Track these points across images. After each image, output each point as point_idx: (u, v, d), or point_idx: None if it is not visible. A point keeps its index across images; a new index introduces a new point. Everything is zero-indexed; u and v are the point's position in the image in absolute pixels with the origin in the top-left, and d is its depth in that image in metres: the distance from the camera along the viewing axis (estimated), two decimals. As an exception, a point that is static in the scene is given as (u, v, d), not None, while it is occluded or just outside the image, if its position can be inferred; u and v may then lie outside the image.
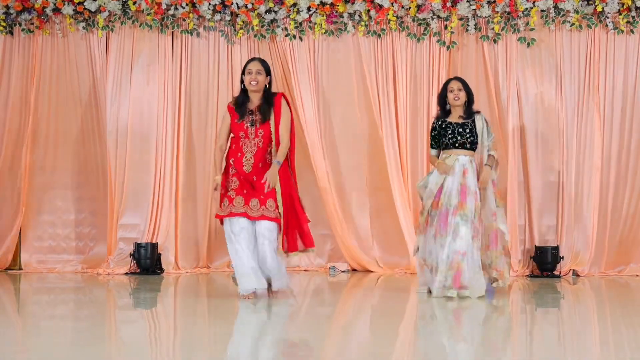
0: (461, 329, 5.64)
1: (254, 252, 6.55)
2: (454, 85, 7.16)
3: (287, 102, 6.71)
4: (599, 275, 8.91)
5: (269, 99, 6.65)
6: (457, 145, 7.03)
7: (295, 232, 6.69)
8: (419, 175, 9.12)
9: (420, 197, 7.20)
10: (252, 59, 6.77)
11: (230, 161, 6.64)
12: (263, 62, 6.71)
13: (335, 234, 9.25)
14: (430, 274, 6.96)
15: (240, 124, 6.60)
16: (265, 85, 6.66)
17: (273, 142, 6.61)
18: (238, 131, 6.62)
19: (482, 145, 7.09)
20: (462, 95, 7.13)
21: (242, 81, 6.69)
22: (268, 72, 6.68)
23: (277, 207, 6.57)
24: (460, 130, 7.06)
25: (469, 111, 7.16)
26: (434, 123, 7.20)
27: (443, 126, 7.10)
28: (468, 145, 7.04)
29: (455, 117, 7.13)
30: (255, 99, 6.67)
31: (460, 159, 7.00)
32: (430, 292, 6.95)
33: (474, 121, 7.10)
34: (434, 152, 7.20)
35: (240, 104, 6.67)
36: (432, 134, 7.17)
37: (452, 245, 6.78)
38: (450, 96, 7.13)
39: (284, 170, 6.65)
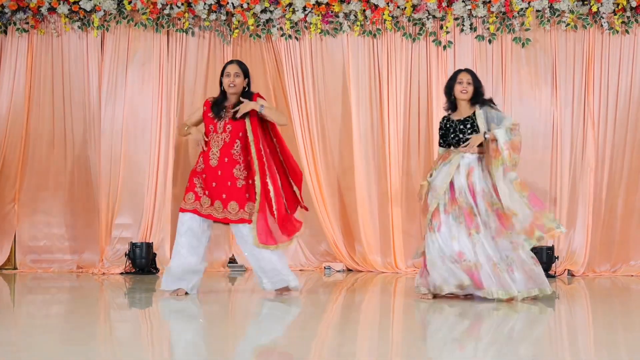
0: (454, 330, 5.58)
1: (196, 253, 6.72)
2: (464, 77, 6.75)
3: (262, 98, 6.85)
4: (594, 275, 8.93)
5: (246, 98, 6.74)
6: (460, 144, 6.69)
7: (265, 221, 6.70)
8: (412, 175, 9.15)
9: (420, 197, 6.81)
10: (231, 62, 6.89)
11: (200, 157, 6.79)
12: (241, 65, 6.83)
13: (327, 234, 9.25)
14: (454, 272, 6.51)
15: (212, 118, 6.76)
16: (244, 87, 6.79)
17: (242, 141, 6.69)
18: (208, 124, 6.78)
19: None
20: (471, 90, 6.74)
21: (221, 83, 6.82)
22: (246, 75, 6.80)
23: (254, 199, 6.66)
24: (462, 127, 6.69)
25: (473, 105, 6.78)
26: (441, 122, 6.87)
27: (447, 125, 6.77)
28: None
29: (461, 111, 6.78)
30: (233, 100, 6.80)
31: (465, 157, 6.67)
32: (434, 296, 6.64)
33: (474, 115, 6.73)
34: (441, 150, 6.84)
35: (217, 102, 6.81)
36: (440, 133, 6.85)
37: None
38: (457, 88, 6.73)
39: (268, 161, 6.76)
